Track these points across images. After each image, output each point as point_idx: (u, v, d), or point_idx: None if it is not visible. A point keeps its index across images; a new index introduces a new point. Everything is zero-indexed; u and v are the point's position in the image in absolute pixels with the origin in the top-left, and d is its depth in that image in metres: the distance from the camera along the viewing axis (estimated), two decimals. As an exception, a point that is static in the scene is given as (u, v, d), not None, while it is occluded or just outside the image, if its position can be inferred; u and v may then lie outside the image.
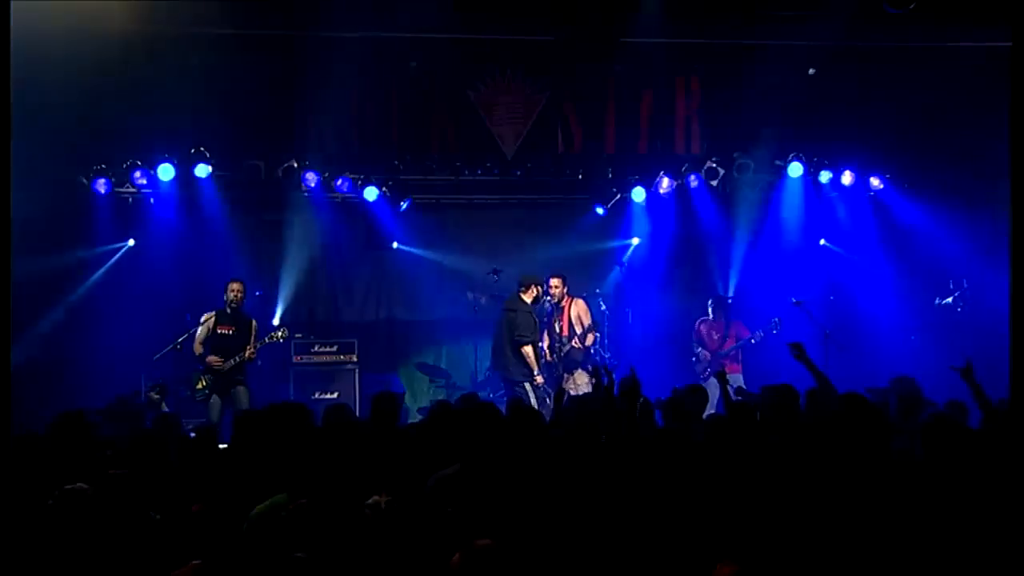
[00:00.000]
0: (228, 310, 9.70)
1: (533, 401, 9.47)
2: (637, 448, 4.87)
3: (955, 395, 6.51)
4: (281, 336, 10.00)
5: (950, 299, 10.97)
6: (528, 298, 10.05)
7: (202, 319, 9.72)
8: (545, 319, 10.52)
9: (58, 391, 10.00)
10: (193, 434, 6.72)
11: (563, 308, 10.37)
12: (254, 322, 9.90)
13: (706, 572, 3.58)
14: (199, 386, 9.56)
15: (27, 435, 5.03)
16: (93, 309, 10.87)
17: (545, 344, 10.29)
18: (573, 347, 10.17)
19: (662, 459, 4.56)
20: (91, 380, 10.28)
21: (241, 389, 9.61)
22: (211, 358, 9.50)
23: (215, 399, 9.52)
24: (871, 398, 6.52)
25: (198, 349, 9.61)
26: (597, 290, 11.63)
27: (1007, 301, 10.34)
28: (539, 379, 9.74)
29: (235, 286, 9.76)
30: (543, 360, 10.23)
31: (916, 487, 4.00)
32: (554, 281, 10.33)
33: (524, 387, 9.72)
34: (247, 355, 9.60)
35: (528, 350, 9.75)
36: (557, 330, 10.32)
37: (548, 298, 10.36)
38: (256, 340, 9.73)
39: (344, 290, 12.21)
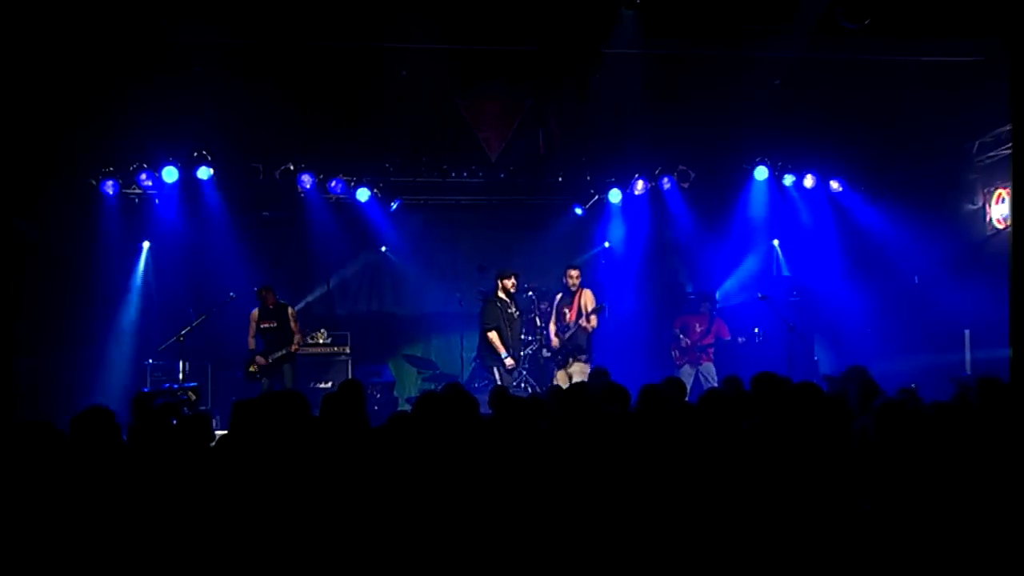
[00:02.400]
0: (266, 308, 10.35)
1: (499, 382, 9.70)
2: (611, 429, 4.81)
3: (906, 381, 6.72)
4: (321, 338, 10.89)
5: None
6: (500, 291, 10.18)
7: (251, 317, 10.44)
8: (544, 308, 10.76)
9: (67, 382, 10.12)
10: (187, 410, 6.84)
11: (575, 296, 10.37)
12: (290, 308, 10.51)
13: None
14: (251, 368, 10.27)
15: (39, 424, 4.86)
16: (101, 302, 11.03)
17: (552, 330, 10.35)
18: (580, 326, 10.05)
19: (635, 441, 4.60)
20: (98, 371, 10.46)
21: (287, 367, 10.36)
22: (258, 358, 10.31)
23: (265, 381, 10.16)
24: (828, 386, 6.77)
25: (251, 343, 10.33)
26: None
27: (955, 295, 10.70)
28: (509, 361, 9.85)
29: (265, 292, 10.49)
30: (546, 346, 10.44)
31: (871, 464, 4.20)
32: (573, 272, 10.36)
33: (493, 372, 9.93)
34: (292, 349, 10.38)
35: (492, 336, 9.92)
36: (566, 316, 10.35)
37: (567, 285, 10.37)
38: (297, 326, 10.46)
39: (338, 286, 12.34)
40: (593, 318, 10.09)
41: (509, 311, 10.12)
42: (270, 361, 10.27)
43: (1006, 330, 9.55)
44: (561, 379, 9.97)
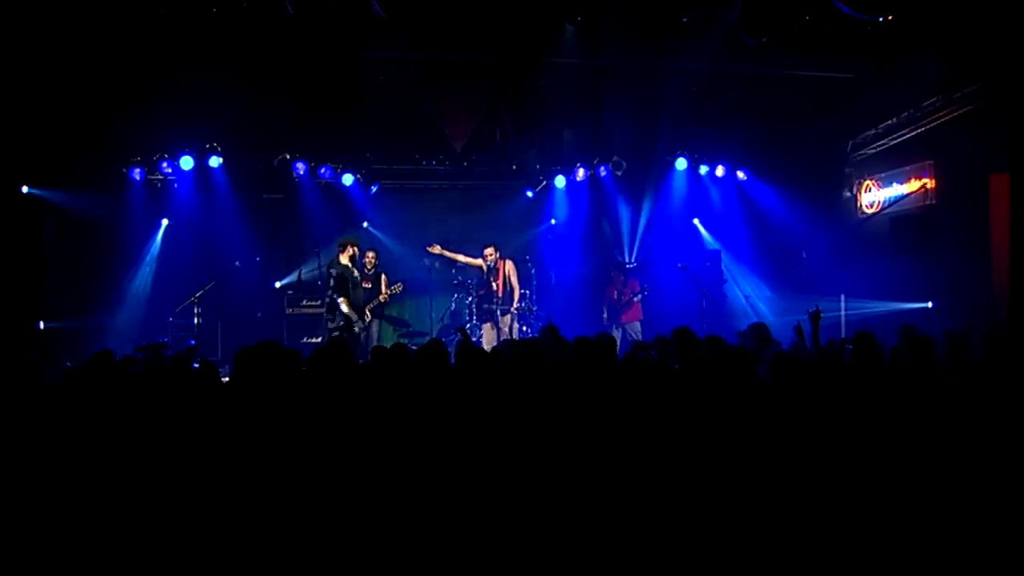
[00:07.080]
0: (367, 271, 10.94)
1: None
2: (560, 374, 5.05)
3: (793, 336, 7.43)
4: (397, 288, 10.97)
5: None
6: (344, 259, 10.38)
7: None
8: (485, 277, 11.30)
9: (100, 336, 10.61)
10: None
11: (498, 269, 11.00)
12: (384, 275, 11.09)
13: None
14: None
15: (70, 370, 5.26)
16: (129, 269, 11.66)
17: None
18: (511, 309, 10.93)
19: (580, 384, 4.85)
20: (126, 326, 10.94)
21: (375, 323, 10.91)
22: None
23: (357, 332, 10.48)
24: (739, 340, 7.36)
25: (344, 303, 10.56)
26: (527, 256, 12.41)
27: (833, 266, 11.55)
28: (359, 326, 10.28)
29: (371, 255, 11.02)
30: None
31: (765, 402, 4.43)
32: (488, 250, 11.07)
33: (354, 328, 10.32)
34: (381, 299, 10.87)
35: (341, 301, 10.21)
36: (494, 288, 11.05)
37: (486, 261, 11.04)
38: (387, 288, 10.89)
39: (326, 255, 12.70)
40: (515, 304, 10.95)
41: (354, 276, 10.44)
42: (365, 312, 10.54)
43: (871, 293, 10.72)
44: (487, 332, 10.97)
